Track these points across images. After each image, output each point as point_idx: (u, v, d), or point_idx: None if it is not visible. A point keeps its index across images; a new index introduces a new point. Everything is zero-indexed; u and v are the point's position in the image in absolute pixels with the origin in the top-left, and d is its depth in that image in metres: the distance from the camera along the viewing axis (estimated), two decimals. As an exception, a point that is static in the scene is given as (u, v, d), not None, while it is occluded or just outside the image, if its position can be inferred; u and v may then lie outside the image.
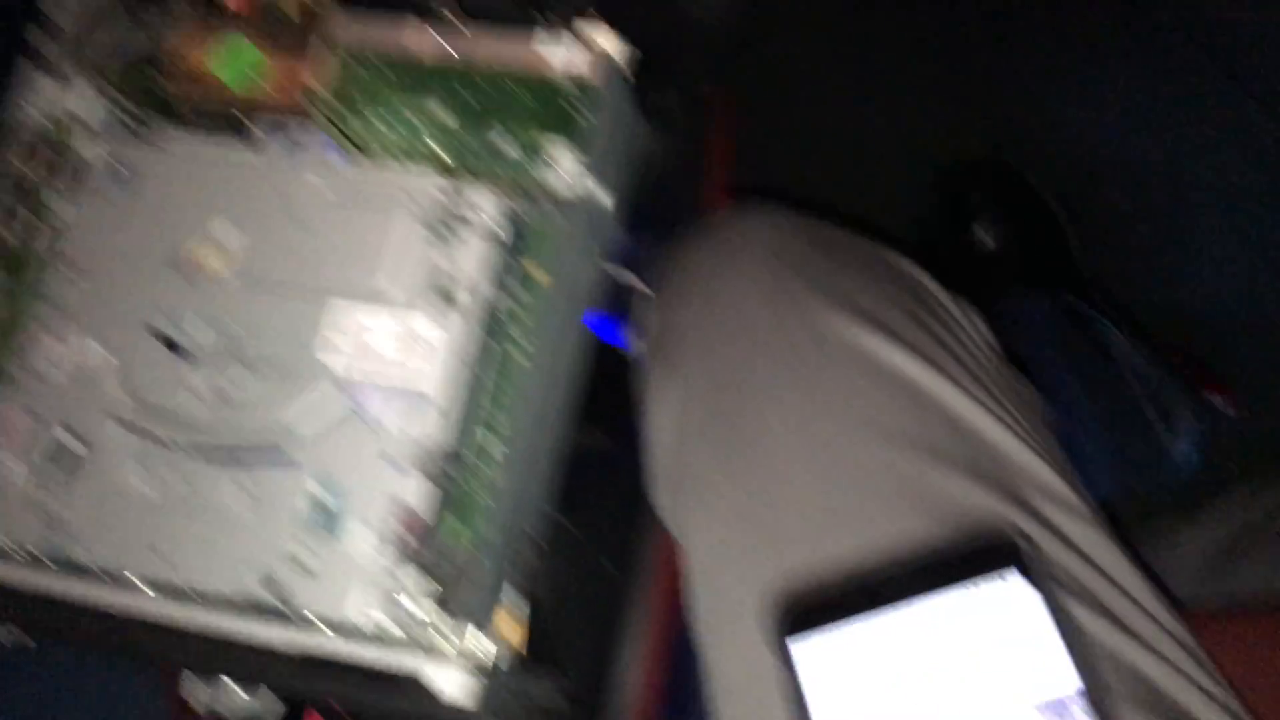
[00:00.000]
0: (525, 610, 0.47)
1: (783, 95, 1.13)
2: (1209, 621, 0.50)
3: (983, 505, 0.41)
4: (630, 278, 0.67)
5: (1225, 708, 0.39)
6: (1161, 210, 1.04)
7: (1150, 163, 1.04)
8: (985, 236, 1.05)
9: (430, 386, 0.45)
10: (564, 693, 0.50)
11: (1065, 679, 0.36)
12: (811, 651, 0.38)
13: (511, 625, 0.46)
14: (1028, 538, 0.38)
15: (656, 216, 0.74)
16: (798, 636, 0.38)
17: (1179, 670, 0.40)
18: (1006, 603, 0.37)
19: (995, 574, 0.37)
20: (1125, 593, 0.41)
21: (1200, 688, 0.39)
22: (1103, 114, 1.06)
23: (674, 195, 0.74)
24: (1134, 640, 0.39)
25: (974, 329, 0.51)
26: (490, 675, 0.42)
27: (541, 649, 0.57)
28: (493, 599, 0.45)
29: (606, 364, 0.70)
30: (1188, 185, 1.02)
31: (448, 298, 0.45)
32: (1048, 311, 1.02)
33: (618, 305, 0.70)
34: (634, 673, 0.58)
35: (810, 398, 0.44)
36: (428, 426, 0.44)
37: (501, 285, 0.46)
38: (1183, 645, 0.41)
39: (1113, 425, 0.95)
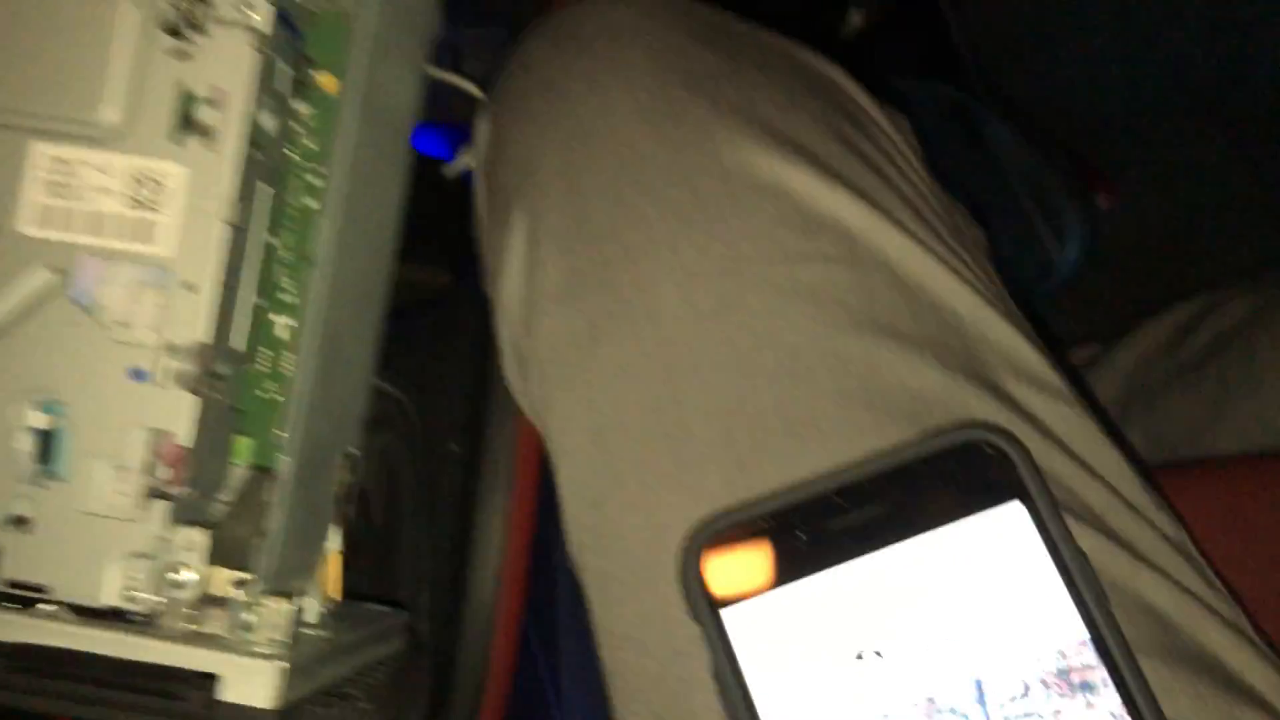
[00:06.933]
0: (338, 541, 0.35)
1: None
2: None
3: (955, 400, 0.31)
4: (461, 80, 0.52)
5: (1233, 626, 0.31)
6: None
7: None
8: (857, 17, 0.94)
9: (174, 251, 0.31)
10: (399, 632, 0.39)
11: (1072, 630, 0.27)
12: (750, 620, 0.28)
13: (323, 566, 0.35)
14: (1016, 442, 0.29)
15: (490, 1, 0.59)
16: (732, 604, 0.28)
17: (1185, 590, 0.31)
18: (998, 542, 0.28)
19: (989, 507, 0.28)
20: (1114, 490, 0.33)
21: (1208, 607, 0.31)
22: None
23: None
24: (1137, 560, 0.31)
25: (907, 146, 0.40)
26: (294, 648, 0.31)
27: (367, 572, 0.46)
28: (294, 541, 0.33)
29: (441, 186, 0.56)
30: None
31: (193, 123, 0.31)
32: (927, 103, 0.93)
33: (449, 114, 0.56)
34: (491, 591, 0.46)
35: (716, 256, 0.32)
36: (176, 308, 0.31)
37: (273, 100, 0.33)
38: (1178, 549, 0.33)
39: (1000, 229, 0.89)
